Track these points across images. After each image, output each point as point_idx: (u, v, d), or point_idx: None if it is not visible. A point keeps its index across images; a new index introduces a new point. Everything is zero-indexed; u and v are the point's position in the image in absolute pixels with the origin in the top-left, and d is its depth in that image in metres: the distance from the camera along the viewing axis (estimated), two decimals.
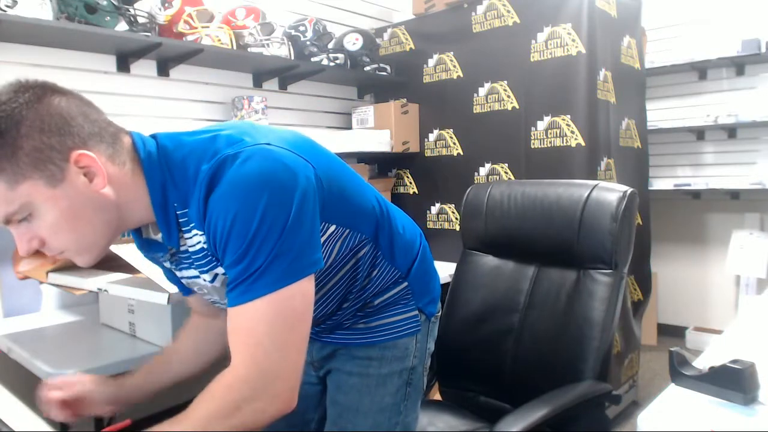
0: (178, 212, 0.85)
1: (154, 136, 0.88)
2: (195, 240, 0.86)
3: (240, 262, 0.77)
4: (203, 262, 0.89)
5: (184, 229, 0.87)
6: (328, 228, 0.91)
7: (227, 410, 0.78)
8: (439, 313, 1.18)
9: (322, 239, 0.90)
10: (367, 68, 2.73)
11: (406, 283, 1.07)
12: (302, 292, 0.80)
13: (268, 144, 0.81)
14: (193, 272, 0.94)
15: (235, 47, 2.18)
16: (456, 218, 2.68)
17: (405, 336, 1.08)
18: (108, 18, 1.81)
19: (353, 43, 2.65)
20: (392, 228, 1.05)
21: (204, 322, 1.13)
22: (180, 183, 0.83)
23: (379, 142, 2.68)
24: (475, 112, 2.57)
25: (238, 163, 0.77)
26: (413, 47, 2.81)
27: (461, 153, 2.65)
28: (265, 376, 0.78)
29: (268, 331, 0.78)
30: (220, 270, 0.89)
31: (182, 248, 0.90)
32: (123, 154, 0.83)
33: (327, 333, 1.10)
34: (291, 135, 0.90)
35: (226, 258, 0.79)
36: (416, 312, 1.09)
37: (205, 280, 0.93)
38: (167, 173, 0.83)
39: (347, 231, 0.95)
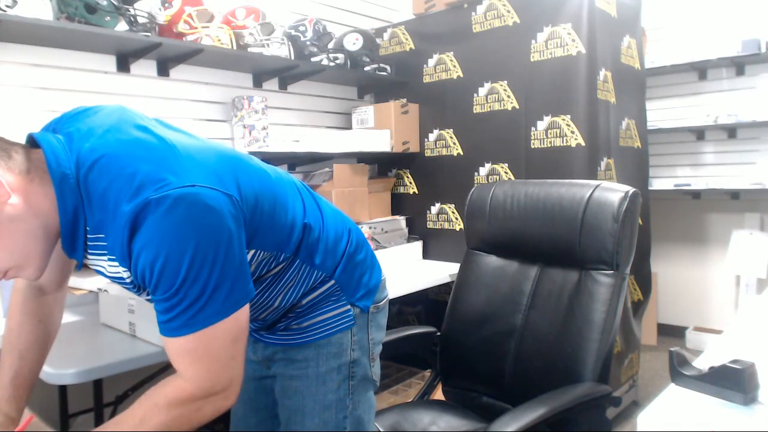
0: (89, 235, 0.86)
1: (78, 148, 0.84)
2: (114, 270, 0.88)
3: (170, 299, 0.80)
4: (121, 283, 0.91)
5: (96, 252, 0.87)
6: (247, 252, 0.91)
7: (189, 414, 0.83)
8: (382, 302, 1.17)
9: None
10: (367, 68, 2.73)
11: (333, 281, 1.07)
12: (238, 318, 0.84)
13: (193, 185, 0.79)
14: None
15: (235, 47, 2.18)
16: (456, 218, 2.68)
17: (338, 332, 1.08)
18: (108, 18, 1.81)
19: (353, 43, 2.65)
20: (316, 236, 1.04)
21: (45, 302, 1.09)
22: (97, 211, 0.82)
23: (379, 142, 2.68)
24: (475, 112, 2.57)
25: (164, 210, 0.76)
26: (413, 47, 2.81)
27: (461, 153, 2.65)
28: (219, 384, 0.85)
29: (219, 349, 0.83)
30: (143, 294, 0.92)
31: (93, 266, 0.92)
32: (24, 164, 0.83)
33: (265, 331, 1.12)
34: (214, 158, 0.88)
35: (156, 294, 0.81)
36: (348, 307, 1.09)
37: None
38: (85, 200, 0.83)
39: (266, 253, 0.96)
